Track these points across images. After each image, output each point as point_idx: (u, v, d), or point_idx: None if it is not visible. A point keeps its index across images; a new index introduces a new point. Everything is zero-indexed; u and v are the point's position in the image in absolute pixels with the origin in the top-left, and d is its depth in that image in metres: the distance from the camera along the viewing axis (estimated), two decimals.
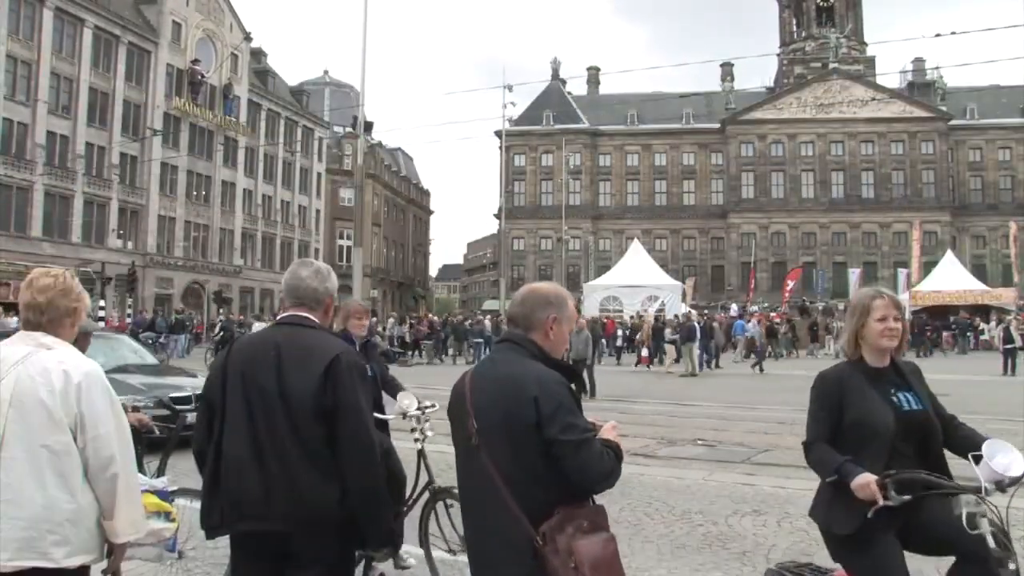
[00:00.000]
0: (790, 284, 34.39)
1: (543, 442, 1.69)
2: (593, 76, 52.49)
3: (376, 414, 2.67)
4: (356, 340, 3.40)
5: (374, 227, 45.87)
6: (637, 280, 27.24)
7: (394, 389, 3.46)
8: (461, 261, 76.21)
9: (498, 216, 42.16)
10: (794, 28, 51.92)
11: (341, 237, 44.34)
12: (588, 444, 1.70)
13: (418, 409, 3.22)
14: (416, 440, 3.26)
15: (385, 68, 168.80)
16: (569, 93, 52.11)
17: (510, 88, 35.38)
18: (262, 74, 40.72)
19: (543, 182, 51.32)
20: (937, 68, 48.03)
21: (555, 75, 50.67)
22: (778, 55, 50.47)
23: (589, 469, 1.70)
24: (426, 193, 59.65)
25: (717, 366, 18.49)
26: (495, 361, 1.86)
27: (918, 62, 50.05)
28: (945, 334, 25.61)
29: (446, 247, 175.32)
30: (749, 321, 22.66)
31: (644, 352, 18.75)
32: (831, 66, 48.21)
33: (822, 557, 2.34)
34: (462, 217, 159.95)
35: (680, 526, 4.28)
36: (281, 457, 1.83)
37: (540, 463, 1.69)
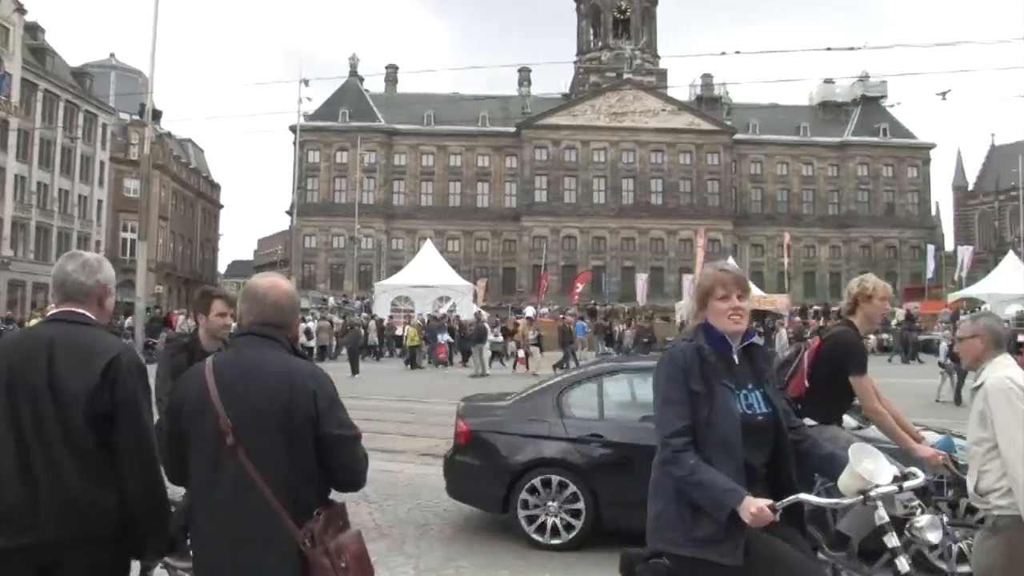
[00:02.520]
0: (579, 287, 60.37)
1: (317, 438, 2.61)
2: (391, 75, 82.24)
3: None
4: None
5: (161, 220, 71.29)
6: (429, 281, 40.17)
7: None
8: (251, 257, 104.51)
9: (290, 212, 68.96)
10: (591, 38, 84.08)
11: (125, 230, 69.03)
12: (359, 440, 2.74)
13: None
14: None
15: (177, 54, 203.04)
16: (367, 91, 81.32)
17: (306, 83, 60.86)
18: (39, 52, 60.80)
19: (337, 179, 79.71)
20: (724, 84, 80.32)
21: (353, 71, 79.64)
22: (575, 63, 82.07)
23: (358, 465, 2.73)
24: (216, 187, 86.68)
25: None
26: (245, 355, 2.71)
27: (707, 77, 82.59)
28: None
29: (236, 243, 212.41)
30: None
31: (521, 354, 27.57)
32: (625, 76, 79.83)
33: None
34: (254, 212, 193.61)
35: (468, 526, 6.75)
36: (51, 463, 2.55)
37: (313, 459, 2.62)
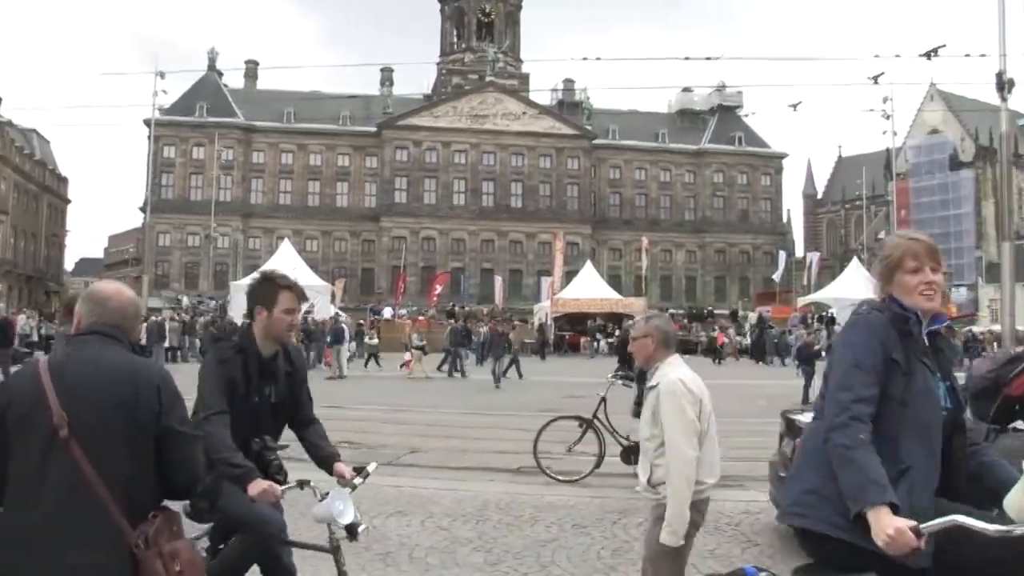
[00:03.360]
0: (438, 288, 70.27)
1: (159, 433, 3.03)
2: (251, 70, 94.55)
3: None
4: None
5: (1, 214, 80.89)
6: None
7: None
8: (101, 255, 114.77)
9: (144, 209, 78.91)
10: (455, 39, 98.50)
11: None
12: (199, 440, 3.24)
13: None
14: None
15: (21, 38, 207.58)
16: (225, 86, 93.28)
17: (162, 75, 68.12)
18: None
19: (193, 176, 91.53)
20: (585, 89, 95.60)
21: (211, 66, 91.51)
22: (438, 64, 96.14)
23: (196, 465, 3.18)
24: (64, 180, 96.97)
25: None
26: (85, 353, 3.12)
27: (568, 82, 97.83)
28: (583, 339, 56.38)
29: (86, 240, 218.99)
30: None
31: (407, 356, 30.75)
32: (488, 79, 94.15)
33: (495, 555, 6.23)
34: (104, 208, 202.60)
35: (322, 530, 6.52)
36: None
37: (152, 457, 3.04)
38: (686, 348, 48.20)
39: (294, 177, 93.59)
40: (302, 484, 4.42)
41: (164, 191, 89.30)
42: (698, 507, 4.56)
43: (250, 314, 4.56)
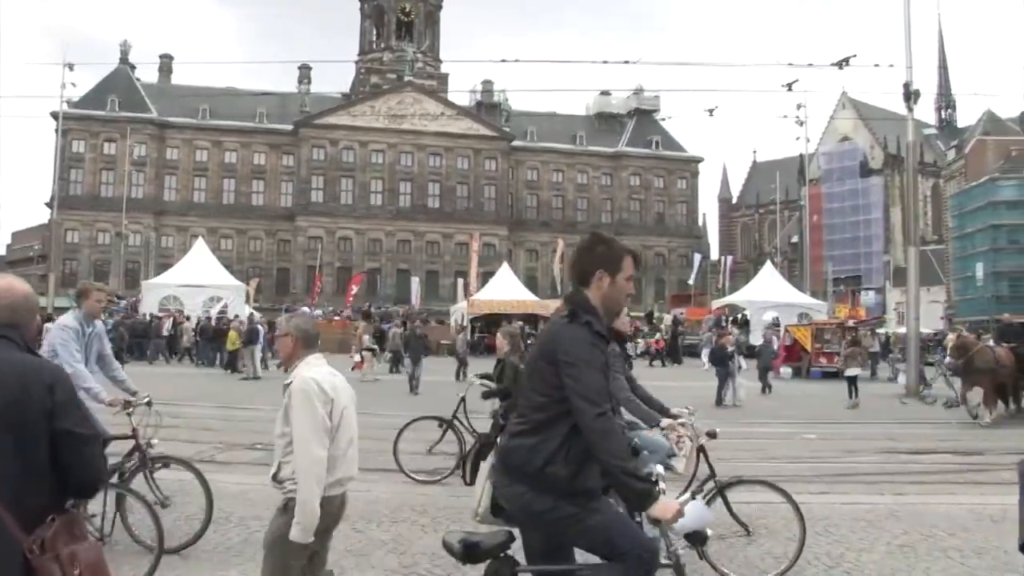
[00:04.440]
0: (354, 289, 71.72)
1: (52, 434, 2.94)
2: (166, 64, 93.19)
3: None
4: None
5: None
6: (200, 280, 44.33)
7: None
8: (3, 252, 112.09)
9: (50, 205, 77.90)
10: (374, 38, 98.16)
11: None
12: (97, 441, 3.11)
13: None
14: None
15: None
16: (138, 80, 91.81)
17: (71, 67, 66.81)
18: None
19: (104, 172, 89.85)
20: (504, 91, 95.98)
21: (124, 59, 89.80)
22: (356, 63, 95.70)
23: (95, 466, 3.12)
24: None
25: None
26: None
27: (487, 83, 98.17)
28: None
29: None
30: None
31: (357, 357, 30.21)
32: (406, 79, 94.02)
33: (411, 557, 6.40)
34: (8, 204, 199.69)
35: (236, 533, 7.36)
36: None
37: (46, 459, 2.93)
38: None
39: (209, 175, 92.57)
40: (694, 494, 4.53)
41: (73, 187, 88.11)
42: (329, 505, 4.53)
43: (583, 280, 3.99)
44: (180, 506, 7.60)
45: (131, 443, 7.10)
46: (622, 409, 6.19)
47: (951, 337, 25.39)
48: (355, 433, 4.74)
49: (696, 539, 4.22)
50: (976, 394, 18.80)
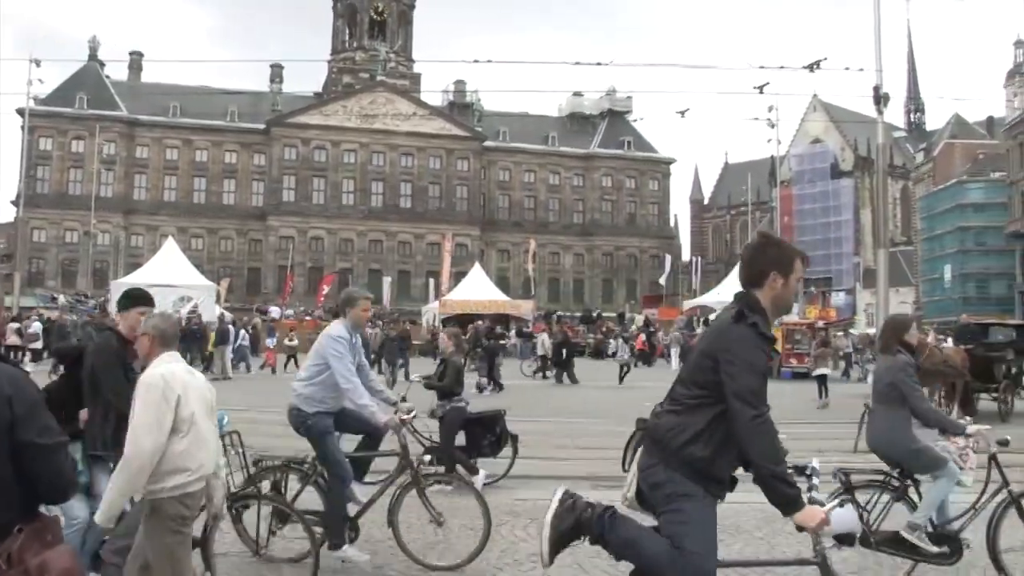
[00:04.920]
0: (325, 289, 71.34)
1: (14, 446, 2.82)
2: (136, 62, 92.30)
3: None
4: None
5: None
6: (170, 280, 42.16)
7: None
8: None
9: (16, 203, 77.00)
10: (347, 37, 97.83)
11: None
12: (64, 448, 3.03)
13: None
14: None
15: None
16: (108, 77, 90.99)
17: (38, 63, 66.80)
18: None
19: (72, 170, 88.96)
20: (476, 91, 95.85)
21: (93, 55, 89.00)
22: (329, 62, 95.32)
23: (64, 474, 3.01)
24: None
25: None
26: None
27: (459, 84, 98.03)
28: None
29: None
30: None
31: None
32: (379, 79, 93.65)
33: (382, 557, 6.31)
34: None
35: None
36: None
37: (10, 473, 2.82)
38: (573, 351, 50.20)
39: (179, 174, 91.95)
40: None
41: (40, 185, 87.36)
42: (185, 500, 4.60)
43: (754, 281, 4.05)
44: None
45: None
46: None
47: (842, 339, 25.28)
48: (208, 429, 4.81)
49: (846, 540, 4.43)
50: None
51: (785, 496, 3.67)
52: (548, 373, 33.06)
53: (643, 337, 49.27)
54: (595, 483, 10.45)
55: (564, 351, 31.17)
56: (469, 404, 10.86)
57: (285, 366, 33.38)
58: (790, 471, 3.84)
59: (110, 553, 5.13)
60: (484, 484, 9.81)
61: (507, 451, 10.90)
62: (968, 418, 7.14)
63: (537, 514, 8.67)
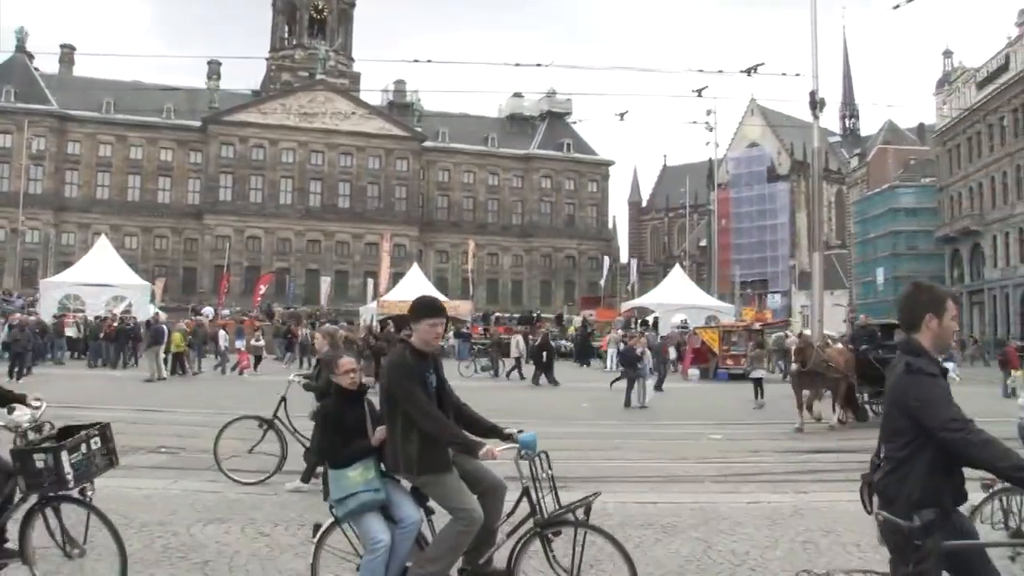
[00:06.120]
0: (262, 289, 70.56)
1: None
2: (67, 55, 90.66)
3: None
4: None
5: None
6: (102, 279, 43.38)
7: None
8: None
9: None
10: (286, 35, 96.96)
11: None
12: None
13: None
14: None
15: None
16: (37, 69, 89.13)
17: None
18: None
19: None
20: (416, 91, 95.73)
21: (20, 47, 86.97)
22: (267, 60, 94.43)
23: None
24: None
25: None
26: None
27: (399, 83, 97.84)
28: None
29: None
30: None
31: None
32: (318, 77, 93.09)
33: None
34: None
35: (137, 539, 7.19)
36: None
37: None
38: (552, 353, 50.01)
39: (113, 171, 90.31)
40: None
41: None
42: None
43: (912, 325, 4.29)
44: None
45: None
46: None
47: (792, 339, 25.35)
48: None
49: None
50: (809, 397, 18.46)
51: None
52: (524, 374, 33.43)
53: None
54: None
55: (544, 353, 31.31)
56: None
57: (256, 367, 33.29)
58: None
59: None
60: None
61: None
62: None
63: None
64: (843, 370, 18.23)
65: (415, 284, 59.17)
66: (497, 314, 70.77)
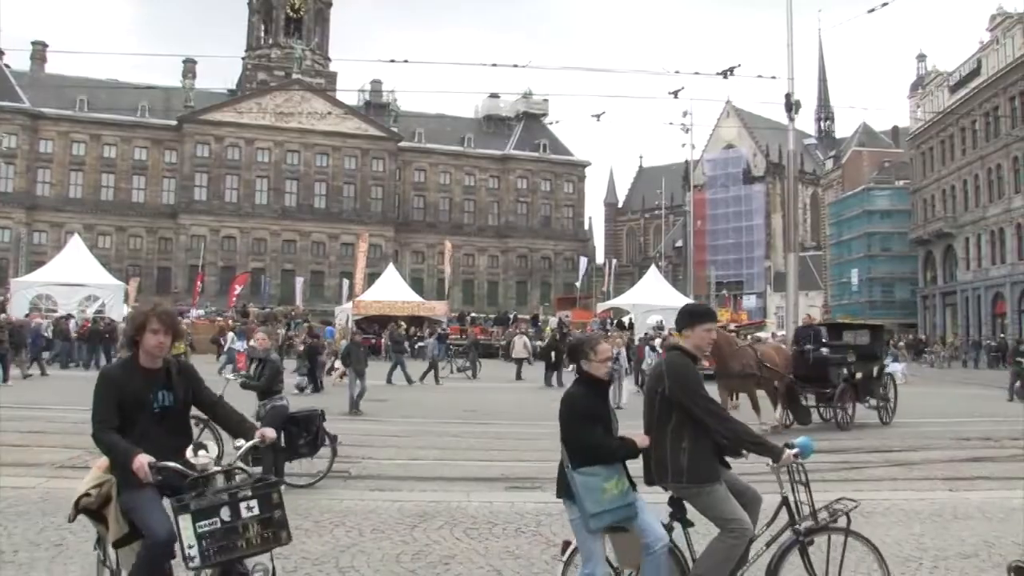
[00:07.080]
0: (238, 289, 69.86)
1: None
2: (39, 52, 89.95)
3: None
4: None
5: None
6: (75, 278, 43.11)
7: None
8: None
9: None
10: (262, 34, 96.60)
11: None
12: None
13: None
14: None
15: None
16: (7, 66, 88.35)
17: None
18: None
19: None
20: (393, 91, 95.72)
21: None
22: (244, 59, 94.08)
23: None
24: None
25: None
26: None
27: (376, 83, 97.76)
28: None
29: None
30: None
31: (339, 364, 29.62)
32: (294, 77, 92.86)
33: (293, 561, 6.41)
34: None
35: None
36: None
37: None
38: (487, 352, 49.82)
39: (86, 169, 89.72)
40: None
41: None
42: None
43: None
44: None
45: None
46: None
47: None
48: None
49: None
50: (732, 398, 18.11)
51: None
52: (523, 375, 34.01)
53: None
54: (508, 484, 10.66)
55: (553, 354, 31.11)
56: (289, 404, 10.71)
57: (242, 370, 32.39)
58: None
59: None
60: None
61: (326, 451, 10.58)
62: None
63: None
64: (781, 369, 17.25)
65: (391, 285, 59.64)
66: (473, 314, 70.79)
